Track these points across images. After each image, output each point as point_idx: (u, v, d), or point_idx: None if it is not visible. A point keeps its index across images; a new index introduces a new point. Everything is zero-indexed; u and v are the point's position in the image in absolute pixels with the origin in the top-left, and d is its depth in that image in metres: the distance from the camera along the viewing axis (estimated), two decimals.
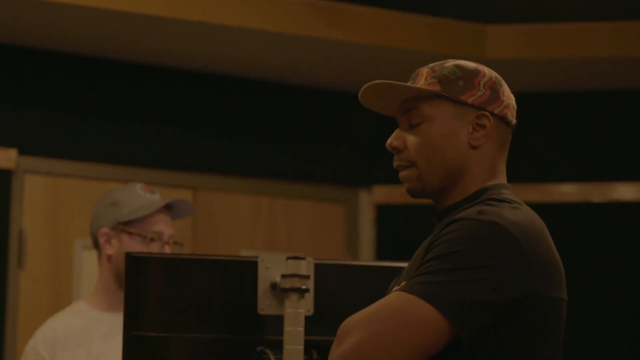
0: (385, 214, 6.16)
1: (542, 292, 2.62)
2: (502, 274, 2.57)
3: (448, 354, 2.56)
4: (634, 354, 6.13)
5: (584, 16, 5.82)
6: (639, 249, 6.10)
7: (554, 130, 6.12)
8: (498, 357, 2.64)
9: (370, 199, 6.21)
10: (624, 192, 6.24)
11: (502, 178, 2.78)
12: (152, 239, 3.91)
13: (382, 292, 2.78)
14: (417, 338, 2.56)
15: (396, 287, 2.65)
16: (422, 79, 2.74)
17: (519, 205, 2.67)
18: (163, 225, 3.94)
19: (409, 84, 2.74)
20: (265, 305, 3.25)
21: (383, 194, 6.15)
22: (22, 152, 5.47)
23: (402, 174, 2.77)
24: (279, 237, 5.93)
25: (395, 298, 2.60)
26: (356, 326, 2.59)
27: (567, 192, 6.12)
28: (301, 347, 3.14)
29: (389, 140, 2.77)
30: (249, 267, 3.27)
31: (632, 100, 6.24)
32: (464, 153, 2.70)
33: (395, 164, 2.78)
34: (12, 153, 5.41)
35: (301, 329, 3.14)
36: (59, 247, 5.52)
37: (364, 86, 2.78)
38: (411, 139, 2.75)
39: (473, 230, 2.61)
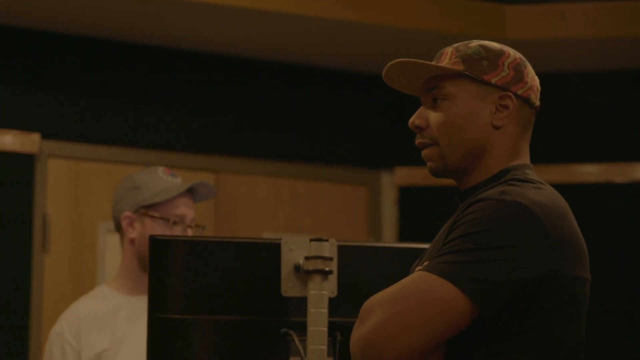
0: (407, 195, 6.17)
1: (564, 271, 2.62)
2: (524, 253, 2.59)
3: (470, 334, 2.57)
4: None
5: None
6: None
7: (575, 111, 6.12)
8: (520, 337, 2.64)
9: (392, 181, 6.23)
10: None
11: (525, 159, 2.78)
12: (174, 222, 3.92)
13: (405, 273, 2.77)
14: (438, 317, 2.57)
15: (419, 267, 2.65)
16: (447, 58, 2.75)
17: (542, 186, 2.68)
18: (185, 209, 3.95)
19: (433, 62, 2.75)
20: (289, 287, 3.25)
21: (405, 175, 6.16)
22: (45, 136, 5.49)
23: (424, 153, 2.78)
24: (301, 220, 5.95)
25: (417, 278, 2.62)
26: (377, 306, 2.61)
27: (590, 172, 6.11)
28: (325, 329, 3.15)
29: (411, 119, 2.78)
30: (272, 249, 3.27)
31: None
32: (486, 133, 2.72)
33: (417, 141, 2.79)
34: (35, 137, 5.43)
35: (325, 310, 3.15)
36: (83, 231, 5.54)
37: (388, 64, 2.79)
38: (433, 117, 2.76)
39: (496, 210, 2.61)
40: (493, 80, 2.71)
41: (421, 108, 2.78)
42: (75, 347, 3.94)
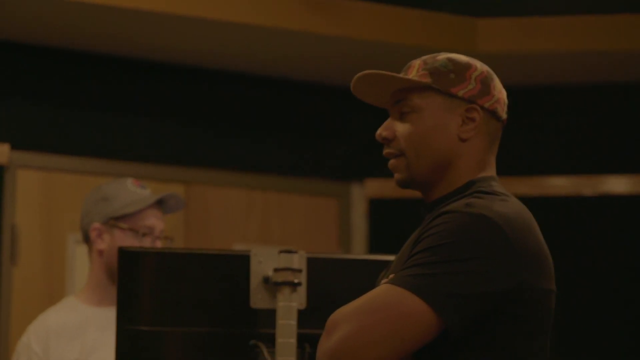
0: (377, 207, 6.19)
1: (530, 283, 2.65)
2: (490, 266, 2.60)
3: (437, 347, 2.59)
4: (626, 346, 6.16)
5: (574, 10, 5.85)
6: (630, 241, 6.14)
7: (545, 124, 6.15)
8: (487, 349, 2.67)
9: (362, 193, 6.25)
10: (616, 184, 6.27)
11: (491, 171, 2.80)
12: (144, 234, 3.94)
13: (374, 285, 2.79)
14: (405, 331, 2.59)
15: (384, 280, 2.68)
16: (414, 70, 2.76)
17: (507, 198, 2.71)
18: (155, 220, 3.97)
19: (400, 75, 2.77)
20: (258, 299, 3.27)
21: (375, 187, 6.18)
22: (15, 147, 5.47)
23: (391, 163, 2.80)
24: (272, 231, 5.98)
25: (384, 291, 2.63)
26: (344, 319, 2.62)
27: (559, 185, 6.14)
28: (294, 341, 3.17)
29: (378, 131, 2.80)
30: (242, 261, 3.30)
31: (623, 93, 6.28)
32: (452, 145, 2.73)
33: (384, 151, 2.81)
34: (5, 148, 5.42)
35: (294, 322, 3.18)
36: (52, 242, 5.56)
37: (356, 76, 2.79)
38: (400, 129, 2.79)
39: (461, 222, 2.64)
40: (460, 93, 2.73)
41: (388, 120, 2.80)
42: (42, 357, 3.94)
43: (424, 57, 2.80)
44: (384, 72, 2.77)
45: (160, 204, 4.00)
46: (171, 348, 3.35)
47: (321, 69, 6.03)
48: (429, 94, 2.76)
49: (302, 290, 3.20)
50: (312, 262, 3.24)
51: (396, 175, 2.80)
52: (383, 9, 5.56)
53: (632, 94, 6.26)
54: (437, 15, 5.66)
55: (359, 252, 5.93)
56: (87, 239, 4.01)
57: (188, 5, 5.20)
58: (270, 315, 3.24)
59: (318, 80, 6.12)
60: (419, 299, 2.56)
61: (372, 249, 5.96)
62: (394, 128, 2.79)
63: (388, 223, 6.02)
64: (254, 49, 5.73)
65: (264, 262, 3.27)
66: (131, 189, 4.00)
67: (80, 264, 5.25)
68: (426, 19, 5.62)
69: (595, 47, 5.79)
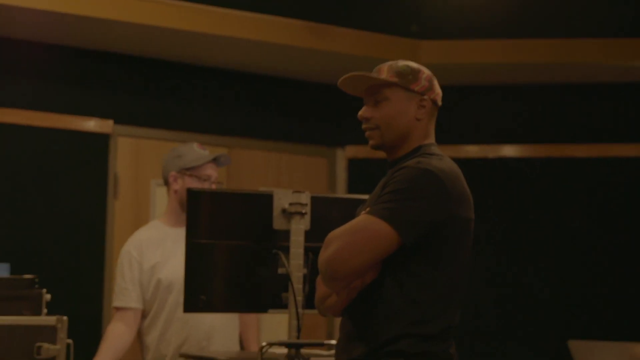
0: (354, 165, 6.21)
1: (458, 214, 2.81)
2: (431, 202, 2.75)
3: (395, 258, 2.73)
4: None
5: (492, 35, 5.80)
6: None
7: (465, 106, 6.11)
8: (428, 258, 2.79)
9: (344, 155, 6.23)
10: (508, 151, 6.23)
11: (432, 139, 2.95)
12: (204, 180, 4.03)
13: (353, 215, 2.92)
14: (377, 245, 2.72)
15: (363, 212, 2.80)
16: (385, 72, 2.91)
17: (442, 157, 2.85)
18: (211, 171, 4.05)
19: (375, 75, 2.90)
20: (278, 223, 3.37)
21: (353, 151, 6.17)
22: (116, 121, 5.49)
23: (367, 134, 2.95)
24: (283, 180, 5.98)
25: (363, 219, 2.76)
26: (336, 238, 2.75)
27: (470, 150, 6.06)
28: (302, 250, 3.32)
29: (360, 112, 2.96)
30: (267, 198, 3.39)
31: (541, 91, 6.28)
32: (410, 123, 2.88)
33: (363, 126, 2.95)
34: (110, 122, 5.47)
35: (302, 238, 3.35)
36: (140, 185, 5.59)
37: (346, 75, 2.95)
38: (376, 112, 2.93)
39: (414, 174, 2.78)
40: (416, 89, 2.89)
41: (365, 106, 2.95)
42: (138, 259, 4.00)
43: (388, 63, 2.95)
44: (368, 73, 2.93)
45: (215, 160, 4.06)
46: (221, 255, 3.43)
47: (317, 72, 5.99)
48: (395, 89, 2.90)
49: (307, 217, 3.33)
50: (313, 199, 3.38)
51: (371, 142, 2.95)
52: (357, 33, 5.55)
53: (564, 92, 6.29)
54: (395, 38, 5.63)
55: (342, 194, 5.89)
56: (166, 183, 4.09)
57: (233, 28, 5.20)
58: (286, 234, 3.32)
59: (315, 81, 6.09)
60: (386, 224, 2.70)
61: (350, 192, 5.91)
62: (370, 111, 2.93)
63: (362, 176, 6.00)
64: (269, 59, 5.69)
65: (282, 198, 3.36)
66: (196, 150, 4.08)
67: (159, 199, 5.35)
68: (388, 40, 5.60)
69: (505, 60, 5.77)
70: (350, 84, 2.96)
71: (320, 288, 2.87)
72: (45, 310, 3.20)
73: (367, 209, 2.77)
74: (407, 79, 2.87)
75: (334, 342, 2.99)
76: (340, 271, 2.72)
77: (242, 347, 4.16)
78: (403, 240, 2.69)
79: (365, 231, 2.73)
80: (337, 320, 3.25)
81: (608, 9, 5.82)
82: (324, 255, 2.74)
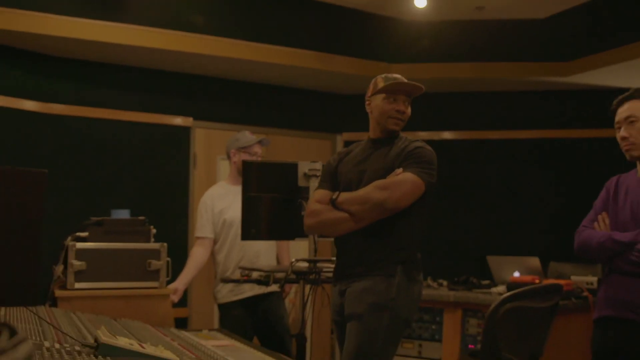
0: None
1: (435, 180, 2.69)
2: (435, 170, 2.71)
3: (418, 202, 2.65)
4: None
5: (439, 59, 5.78)
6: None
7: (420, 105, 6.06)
8: (425, 205, 2.71)
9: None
10: (447, 135, 6.22)
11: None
12: (253, 155, 4.02)
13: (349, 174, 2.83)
14: (417, 193, 2.64)
15: (398, 170, 2.66)
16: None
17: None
18: (258, 149, 4.07)
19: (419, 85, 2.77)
20: (302, 182, 3.37)
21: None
22: (195, 118, 5.47)
23: (400, 124, 2.80)
24: (302, 156, 5.81)
25: (409, 176, 2.64)
26: (391, 185, 2.62)
27: (421, 134, 6.00)
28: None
29: (402, 108, 2.78)
30: (294, 166, 3.39)
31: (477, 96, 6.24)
32: None
33: (403, 117, 2.80)
34: (190, 119, 5.44)
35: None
36: (210, 159, 5.55)
37: (416, 84, 2.78)
38: (408, 109, 2.82)
39: (429, 149, 2.74)
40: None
41: (402, 104, 2.78)
42: (211, 206, 4.03)
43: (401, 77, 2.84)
44: (418, 84, 2.78)
45: (260, 142, 4.07)
46: (265, 203, 3.43)
47: (317, 85, 5.91)
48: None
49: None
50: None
51: (400, 127, 2.81)
52: (348, 59, 5.49)
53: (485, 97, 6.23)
54: (374, 62, 5.59)
55: None
56: (228, 157, 4.09)
57: (269, 56, 5.15)
58: (306, 189, 3.32)
59: (321, 90, 6.04)
60: (420, 179, 2.62)
61: None
62: (407, 108, 2.81)
63: None
64: (279, 75, 5.58)
65: (304, 166, 3.37)
66: (248, 135, 4.09)
67: (222, 168, 5.34)
68: (369, 63, 5.57)
69: (459, 75, 5.76)
70: (403, 87, 2.79)
71: (333, 215, 2.70)
72: (152, 239, 3.23)
73: (400, 169, 2.67)
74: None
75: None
76: (398, 207, 2.61)
77: (278, 262, 4.19)
78: (426, 188, 2.65)
79: (410, 183, 2.63)
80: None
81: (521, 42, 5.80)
82: (383, 194, 2.60)
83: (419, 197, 2.64)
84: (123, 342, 1.73)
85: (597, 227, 2.70)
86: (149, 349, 1.76)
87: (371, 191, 2.64)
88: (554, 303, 2.43)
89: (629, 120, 2.66)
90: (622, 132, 2.69)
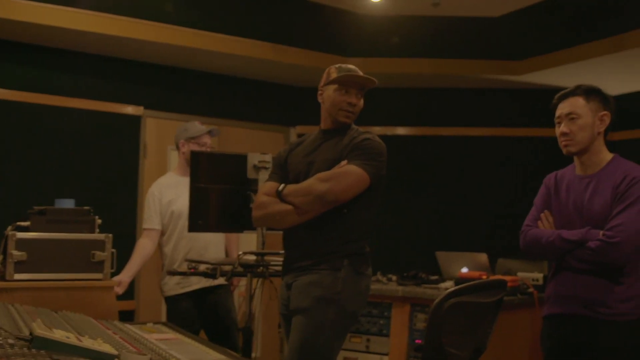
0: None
1: (383, 173, 2.69)
2: (384, 163, 2.69)
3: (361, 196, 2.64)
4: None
5: (401, 54, 5.79)
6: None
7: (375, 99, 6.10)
8: (373, 198, 2.70)
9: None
10: (401, 131, 6.24)
11: None
12: (202, 145, 3.97)
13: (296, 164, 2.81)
14: (361, 186, 2.63)
15: (343, 162, 2.65)
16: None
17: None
18: (207, 139, 4.02)
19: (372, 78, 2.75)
20: (251, 173, 3.33)
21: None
22: (146, 107, 5.39)
23: (351, 117, 2.78)
24: (255, 147, 5.78)
25: (353, 168, 2.63)
26: (335, 176, 2.62)
27: (375, 129, 6.06)
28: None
29: (355, 101, 2.76)
30: (244, 158, 3.35)
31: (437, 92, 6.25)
32: None
33: (354, 109, 2.77)
34: (141, 108, 5.36)
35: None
36: (161, 149, 5.50)
37: (359, 75, 2.76)
38: (361, 102, 2.79)
39: (377, 141, 2.72)
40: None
41: (354, 96, 2.75)
42: (159, 197, 3.99)
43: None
44: (371, 77, 2.75)
45: (209, 132, 4.03)
46: (213, 194, 3.39)
47: (275, 75, 5.89)
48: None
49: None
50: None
51: (352, 120, 2.79)
52: (307, 52, 5.48)
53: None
54: (331, 55, 5.58)
55: None
56: (177, 147, 4.05)
57: (226, 47, 5.11)
58: (255, 181, 3.29)
59: (276, 82, 6.01)
60: (364, 172, 2.61)
61: None
62: (359, 101, 2.78)
63: None
64: (239, 65, 5.56)
65: (253, 158, 3.32)
66: (197, 125, 4.05)
67: (172, 158, 5.28)
68: (325, 57, 5.55)
69: (407, 71, 5.77)
70: (355, 80, 2.76)
71: (279, 207, 2.68)
72: (97, 230, 3.17)
73: (344, 162, 2.65)
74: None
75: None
76: (339, 199, 2.59)
77: (227, 255, 4.16)
78: (371, 182, 2.63)
79: (354, 175, 2.61)
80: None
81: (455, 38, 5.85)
82: (324, 186, 2.58)
83: (364, 190, 2.63)
84: (59, 335, 1.69)
85: (541, 225, 2.74)
86: (86, 342, 1.72)
87: (313, 183, 2.62)
88: (498, 298, 2.46)
89: (570, 117, 2.71)
90: (563, 128, 2.73)
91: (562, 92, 2.79)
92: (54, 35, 4.69)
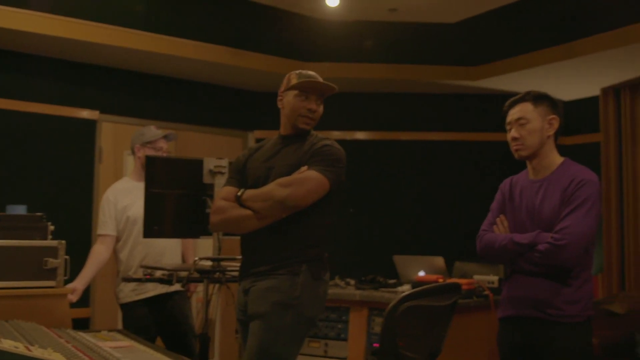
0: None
1: (342, 179, 2.71)
2: (343, 169, 2.71)
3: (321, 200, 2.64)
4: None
5: (358, 59, 5.81)
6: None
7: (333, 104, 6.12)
8: (332, 199, 2.70)
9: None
10: (360, 135, 6.27)
11: None
12: (158, 150, 3.95)
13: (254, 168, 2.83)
14: (321, 191, 2.63)
15: (303, 167, 2.65)
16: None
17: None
18: (163, 144, 4.00)
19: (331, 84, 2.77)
20: (207, 178, 3.32)
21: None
22: (101, 111, 5.32)
23: (311, 123, 2.79)
24: (212, 152, 5.78)
25: (314, 174, 2.63)
26: (295, 182, 2.61)
27: (335, 134, 6.07)
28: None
29: (314, 107, 2.77)
30: (200, 162, 3.34)
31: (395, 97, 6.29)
32: None
33: (313, 115, 2.78)
34: (96, 112, 5.29)
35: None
36: (117, 154, 5.41)
37: (315, 80, 2.77)
38: (320, 108, 2.81)
39: (337, 147, 2.74)
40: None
41: (314, 102, 2.77)
42: (114, 202, 3.95)
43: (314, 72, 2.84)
44: (331, 84, 2.76)
45: (165, 137, 4.00)
46: (168, 200, 3.36)
47: (236, 81, 5.88)
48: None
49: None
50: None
51: (312, 124, 2.80)
52: (264, 57, 5.47)
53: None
54: (289, 60, 5.59)
55: None
56: (133, 152, 4.01)
57: (183, 51, 5.08)
58: (211, 186, 3.28)
59: (234, 87, 6.00)
60: (324, 178, 2.62)
61: None
62: (319, 107, 2.80)
63: None
64: (200, 70, 5.53)
65: (209, 163, 3.31)
66: (153, 130, 4.02)
67: (130, 163, 5.23)
68: (283, 62, 5.56)
69: (365, 76, 5.79)
70: (314, 86, 2.77)
71: (238, 212, 2.67)
72: (50, 237, 3.13)
73: (304, 167, 2.65)
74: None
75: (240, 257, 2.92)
76: (299, 205, 2.58)
77: (184, 261, 4.13)
78: (331, 187, 2.64)
79: (315, 180, 2.61)
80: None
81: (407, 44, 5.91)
82: (284, 192, 2.58)
83: (323, 196, 2.64)
84: (7, 345, 1.67)
85: (496, 229, 2.79)
86: (36, 352, 1.70)
87: (273, 188, 2.62)
88: (453, 301, 2.49)
89: (520, 122, 2.79)
90: (513, 133, 2.81)
91: (512, 98, 2.86)
92: (7, 38, 4.61)
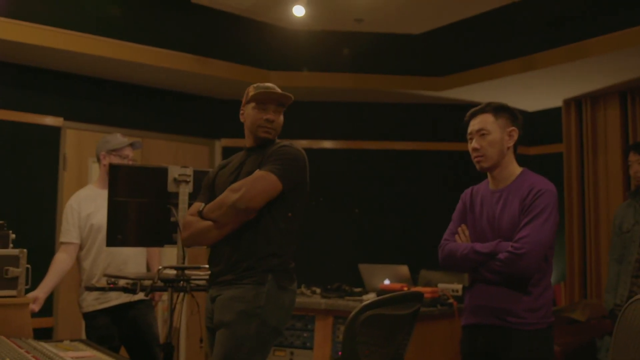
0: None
1: (305, 178, 2.73)
2: (300, 170, 2.73)
3: (275, 200, 2.65)
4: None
5: (324, 68, 5.84)
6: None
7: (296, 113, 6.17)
8: (294, 203, 2.72)
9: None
10: (327, 144, 6.30)
11: None
12: (123, 158, 3.92)
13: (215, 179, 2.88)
14: (272, 190, 2.64)
15: (257, 171, 2.68)
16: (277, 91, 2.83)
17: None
18: (129, 152, 3.97)
19: (287, 94, 2.80)
20: (171, 187, 3.31)
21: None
22: (65, 118, 5.27)
23: (270, 133, 2.81)
24: (178, 160, 5.84)
25: (263, 173, 2.66)
26: (244, 184, 2.63)
27: (302, 143, 6.07)
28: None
29: (272, 117, 2.80)
30: (164, 171, 3.34)
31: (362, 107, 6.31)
32: None
33: (270, 126, 2.80)
34: (60, 119, 5.25)
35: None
36: (82, 161, 5.38)
37: (271, 90, 2.81)
38: (280, 118, 2.83)
39: (294, 149, 2.76)
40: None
41: (272, 112, 2.80)
42: (77, 210, 3.91)
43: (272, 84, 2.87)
44: (287, 93, 2.79)
45: (131, 145, 3.98)
46: (132, 208, 3.34)
47: (201, 88, 5.88)
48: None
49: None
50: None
51: (273, 134, 2.83)
52: (229, 65, 5.49)
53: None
54: (253, 68, 5.60)
55: None
56: (98, 160, 3.98)
57: (149, 58, 5.07)
58: (176, 195, 3.27)
59: (200, 94, 5.99)
60: (273, 176, 2.63)
61: None
62: (278, 117, 2.82)
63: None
64: (167, 78, 5.54)
65: (174, 171, 3.31)
66: (119, 138, 3.99)
67: (93, 171, 5.19)
68: (248, 70, 5.57)
69: (333, 85, 5.82)
70: (271, 96, 2.80)
71: (201, 225, 2.70)
72: (11, 245, 3.09)
73: (258, 170, 2.67)
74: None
75: (206, 266, 2.93)
76: (250, 206, 2.59)
77: (148, 269, 4.11)
78: (283, 188, 2.65)
79: (263, 181, 2.63)
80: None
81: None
82: (235, 195, 2.60)
83: (278, 196, 2.67)
84: None
85: (458, 239, 2.83)
86: None
87: (226, 194, 2.66)
88: (415, 310, 2.51)
89: (480, 133, 2.83)
90: (474, 144, 2.85)
91: (473, 109, 2.90)
92: None
